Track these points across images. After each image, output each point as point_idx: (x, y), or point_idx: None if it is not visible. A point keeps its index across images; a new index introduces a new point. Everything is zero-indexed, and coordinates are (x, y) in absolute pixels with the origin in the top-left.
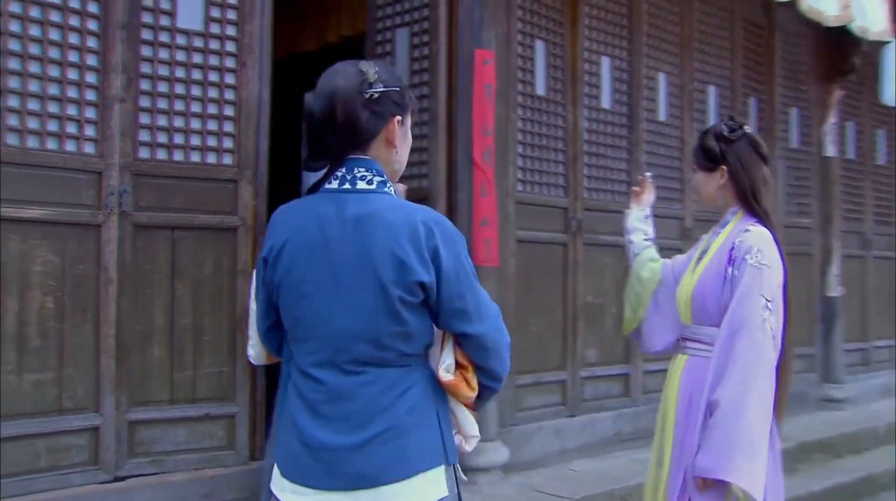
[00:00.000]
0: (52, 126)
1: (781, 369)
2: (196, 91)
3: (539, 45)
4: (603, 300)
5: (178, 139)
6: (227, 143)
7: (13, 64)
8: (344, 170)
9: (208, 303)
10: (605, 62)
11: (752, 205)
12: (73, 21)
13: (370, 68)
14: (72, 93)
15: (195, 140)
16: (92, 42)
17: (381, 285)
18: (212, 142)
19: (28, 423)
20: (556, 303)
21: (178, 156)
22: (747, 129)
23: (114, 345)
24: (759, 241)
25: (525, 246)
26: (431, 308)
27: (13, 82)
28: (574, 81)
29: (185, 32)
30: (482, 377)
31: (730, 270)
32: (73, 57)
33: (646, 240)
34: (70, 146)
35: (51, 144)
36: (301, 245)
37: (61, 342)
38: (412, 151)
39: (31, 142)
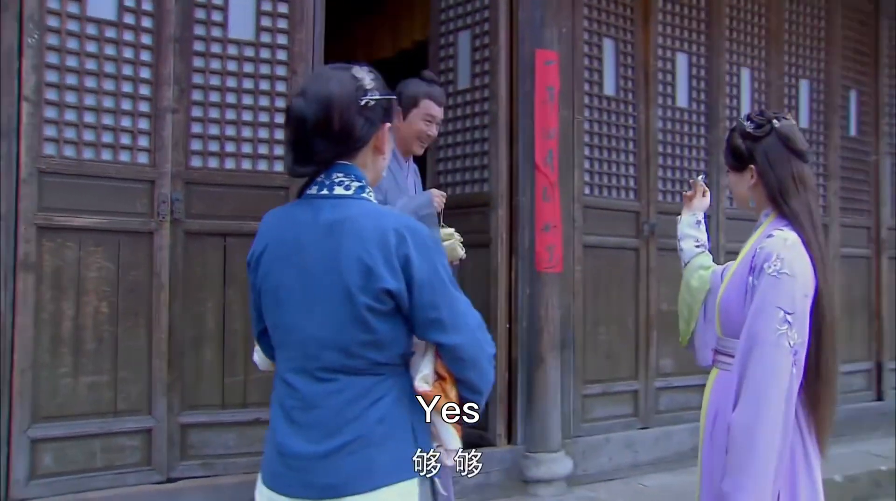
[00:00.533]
0: (107, 138)
1: (818, 386)
2: (247, 100)
3: (607, 44)
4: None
5: (230, 148)
6: (278, 150)
7: (70, 79)
8: (323, 175)
9: None
10: (682, 59)
11: (780, 206)
12: (128, 36)
13: (365, 75)
14: (126, 105)
15: (246, 148)
16: (145, 55)
17: (348, 292)
18: (263, 150)
19: (84, 423)
20: (627, 311)
21: (229, 164)
22: (777, 122)
23: (166, 349)
24: (780, 247)
25: (593, 252)
26: (407, 317)
27: (70, 97)
28: (647, 80)
29: (237, 42)
30: (462, 390)
31: (750, 279)
32: (127, 70)
33: (697, 246)
34: (124, 157)
35: (105, 155)
36: (278, 251)
37: (115, 345)
38: (474, 155)
39: (87, 153)
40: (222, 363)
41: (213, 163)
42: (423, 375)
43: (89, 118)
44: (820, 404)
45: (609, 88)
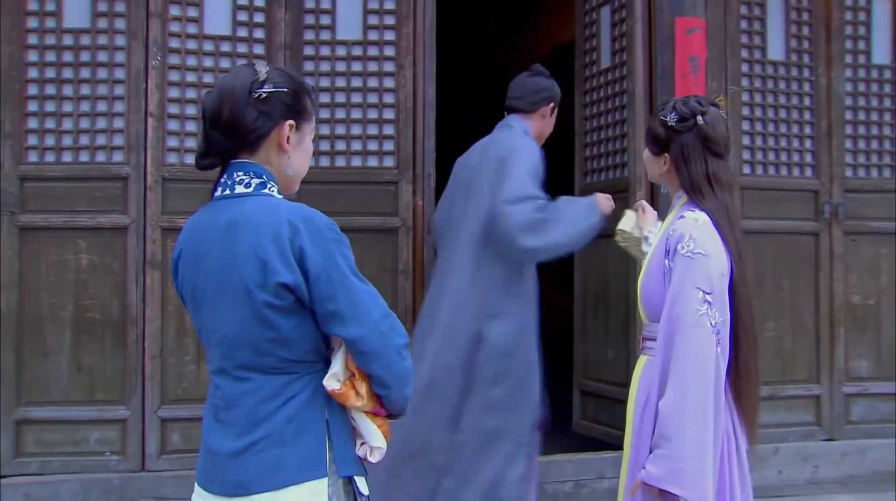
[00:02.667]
0: None
1: (742, 367)
2: (356, 98)
3: (772, 2)
4: (876, 300)
5: (340, 146)
6: (388, 145)
7: (189, 94)
8: (225, 176)
9: None
10: (880, 8)
11: (695, 199)
12: (241, 48)
13: (262, 68)
14: None
15: (356, 145)
16: None
17: (247, 290)
18: (372, 146)
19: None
20: (803, 304)
21: (340, 162)
22: (701, 118)
23: None
24: (692, 228)
25: (755, 238)
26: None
27: (190, 110)
28: (828, 37)
29: (345, 43)
30: (373, 385)
31: (666, 262)
32: None
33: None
34: None
35: None
36: (189, 256)
37: None
38: (615, 138)
39: (189, 160)
40: None
41: (324, 161)
42: (333, 372)
43: None
44: (744, 390)
45: (775, 52)
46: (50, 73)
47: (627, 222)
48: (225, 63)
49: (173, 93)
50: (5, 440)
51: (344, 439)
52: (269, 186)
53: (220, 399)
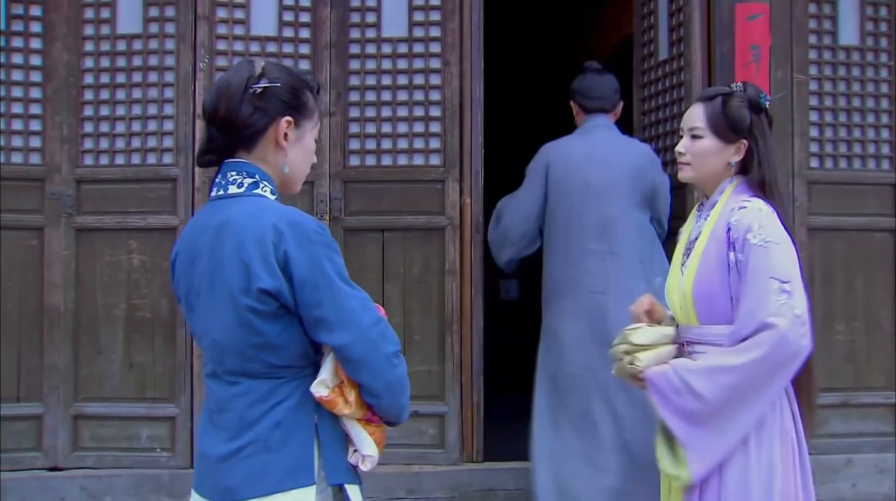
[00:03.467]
0: None
1: (804, 368)
2: (402, 95)
3: None
4: None
5: (386, 144)
6: (434, 143)
7: None
8: (220, 176)
9: (417, 303)
10: None
11: (767, 192)
12: (287, 48)
13: (259, 63)
14: None
15: (402, 143)
16: (304, 64)
17: (231, 294)
18: (419, 144)
19: None
20: (879, 305)
21: (386, 160)
22: (766, 101)
23: None
24: (758, 216)
25: (824, 235)
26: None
27: None
28: None
29: (390, 40)
30: (363, 394)
31: (731, 255)
32: None
33: None
34: None
35: None
36: (184, 258)
37: None
38: (670, 133)
39: None
40: None
41: (370, 160)
42: (322, 378)
43: None
44: (806, 384)
45: (848, 37)
46: (104, 78)
47: (643, 334)
48: None
49: None
50: (63, 433)
51: (334, 445)
52: (261, 186)
53: (213, 403)
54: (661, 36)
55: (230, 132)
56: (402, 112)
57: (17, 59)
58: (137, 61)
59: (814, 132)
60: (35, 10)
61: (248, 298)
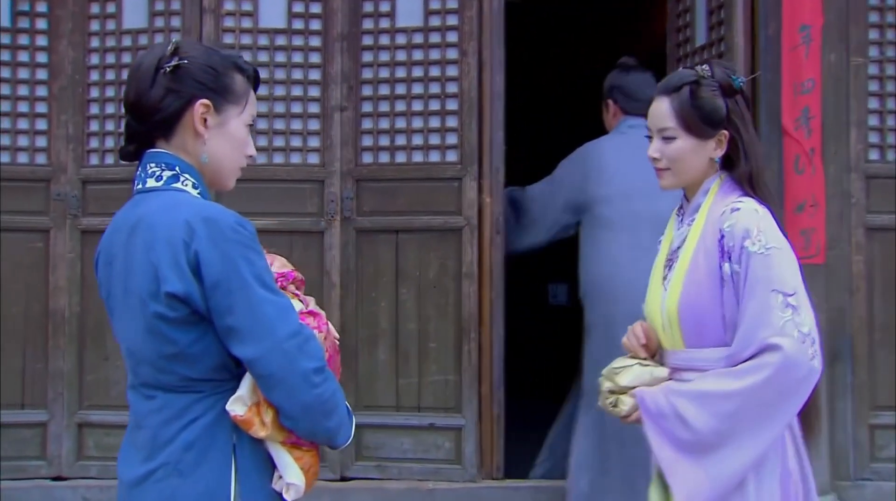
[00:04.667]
0: (279, 142)
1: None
2: (417, 89)
3: None
4: None
5: (400, 141)
6: (451, 139)
7: None
8: (140, 168)
9: (433, 308)
10: None
11: (753, 188)
12: (297, 41)
13: (175, 41)
14: (296, 108)
15: (417, 139)
16: (314, 57)
17: (141, 299)
18: (435, 139)
19: None
20: None
21: (400, 157)
22: (741, 82)
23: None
24: (755, 219)
25: (885, 236)
26: None
27: None
28: None
29: (405, 30)
30: (280, 416)
31: (726, 266)
32: (296, 74)
33: None
34: (295, 158)
35: (277, 159)
36: (104, 258)
37: None
38: None
39: (260, 158)
40: (396, 364)
41: (383, 158)
42: (239, 395)
43: (262, 125)
44: (808, 415)
45: None
46: (110, 75)
47: (632, 375)
48: (280, 57)
49: None
50: (67, 442)
51: (253, 470)
52: (181, 179)
53: (132, 418)
54: (698, 19)
55: (143, 118)
56: (418, 106)
57: (22, 56)
58: None
59: (873, 121)
60: (41, 6)
61: (156, 303)
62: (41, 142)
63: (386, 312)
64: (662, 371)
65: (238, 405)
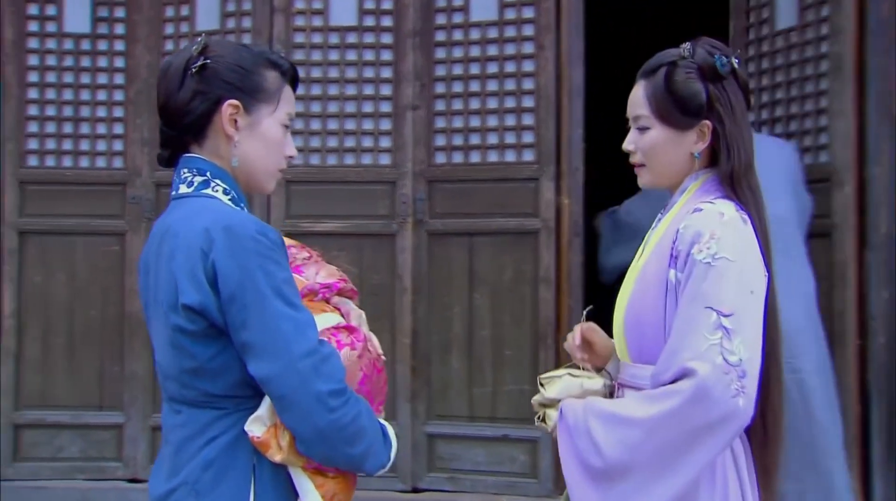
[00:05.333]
0: (349, 142)
1: (768, 433)
2: (492, 85)
3: None
4: None
5: (474, 140)
6: (527, 137)
7: (315, 90)
8: (175, 174)
9: (508, 314)
10: None
11: (727, 183)
12: (368, 38)
13: (203, 40)
14: (367, 107)
15: (492, 138)
16: (386, 54)
17: (164, 310)
18: (510, 138)
19: None
20: None
21: (474, 157)
22: (736, 61)
23: (409, 355)
24: (713, 223)
25: None
26: None
27: (314, 107)
28: None
29: (479, 25)
30: (295, 440)
31: (671, 273)
32: (367, 72)
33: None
34: (366, 159)
35: (348, 160)
36: (142, 266)
37: None
38: (804, 115)
39: (331, 159)
40: (469, 372)
41: (457, 158)
42: (257, 415)
43: (332, 125)
44: (765, 444)
45: None
46: None
47: (561, 387)
48: (351, 55)
49: (298, 90)
50: (142, 444)
51: (273, 493)
52: (212, 184)
53: (163, 432)
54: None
55: (173, 122)
56: (492, 104)
57: (101, 62)
58: None
59: None
60: (119, 12)
61: (176, 315)
62: (118, 146)
63: (459, 318)
64: (595, 383)
65: (256, 426)
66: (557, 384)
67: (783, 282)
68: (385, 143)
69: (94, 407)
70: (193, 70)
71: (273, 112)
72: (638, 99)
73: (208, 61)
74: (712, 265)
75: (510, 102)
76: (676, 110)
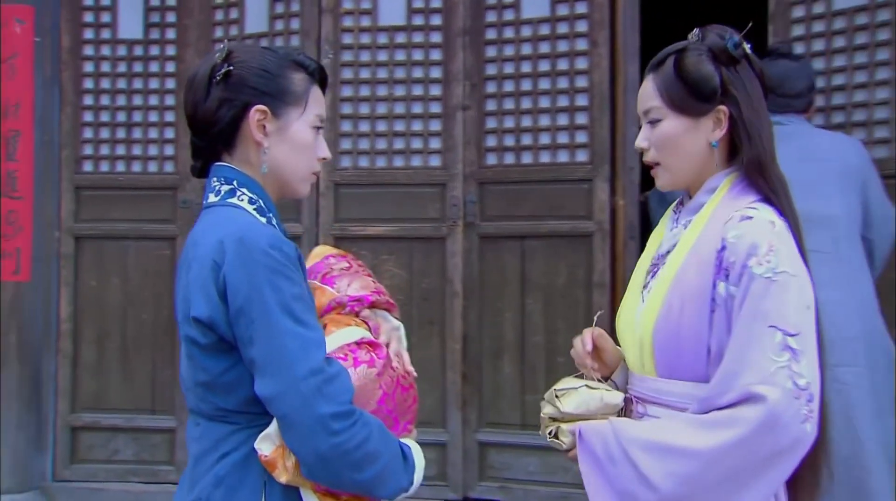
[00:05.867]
0: (399, 144)
1: (810, 465)
2: (544, 84)
3: None
4: None
5: (527, 140)
6: (581, 137)
7: (363, 91)
8: (206, 183)
9: (561, 319)
10: None
11: (755, 177)
12: (417, 37)
13: (227, 46)
14: (416, 108)
15: (544, 138)
16: (435, 54)
17: (180, 321)
18: (563, 138)
19: None
20: None
21: (526, 158)
22: (749, 47)
23: (460, 361)
24: (768, 233)
25: None
26: None
27: (363, 108)
28: None
29: (530, 22)
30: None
31: (721, 286)
32: (417, 72)
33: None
34: (415, 161)
35: (397, 162)
36: (177, 275)
37: (409, 354)
38: (850, 107)
39: (380, 161)
40: (522, 379)
41: (508, 159)
42: (267, 433)
43: (381, 127)
44: (806, 487)
45: None
46: None
47: (577, 399)
48: (400, 55)
49: (346, 92)
50: None
51: None
52: (238, 194)
53: (187, 442)
54: None
55: (201, 132)
56: (545, 103)
57: (153, 67)
58: None
59: None
60: (170, 17)
61: (188, 327)
62: (169, 150)
63: (511, 323)
64: (616, 397)
65: (266, 444)
66: (574, 396)
67: (835, 288)
68: (435, 144)
69: (147, 411)
70: (218, 78)
71: (302, 115)
72: (648, 92)
73: (232, 68)
74: (773, 280)
75: (563, 101)
76: (689, 96)
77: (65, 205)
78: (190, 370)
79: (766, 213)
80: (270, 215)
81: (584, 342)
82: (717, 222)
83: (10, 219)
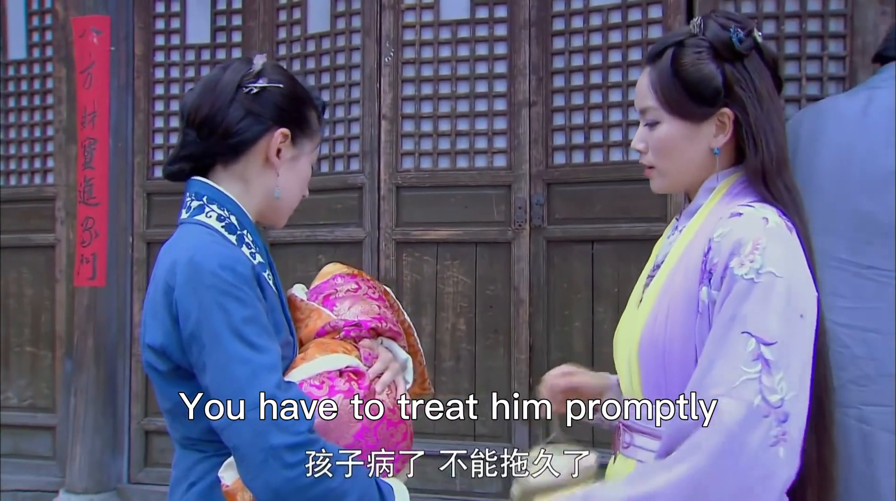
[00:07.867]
0: (462, 144)
1: (811, 473)
2: (615, 76)
3: None
4: None
5: (597, 138)
6: None
7: (425, 89)
8: (184, 194)
9: None
10: None
11: (757, 184)
12: (481, 31)
13: (261, 61)
14: (480, 105)
15: (616, 135)
16: (500, 48)
17: (142, 347)
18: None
19: (441, 444)
20: None
21: (596, 157)
22: (760, 36)
23: (526, 371)
24: (756, 230)
25: None
26: None
27: (426, 107)
28: None
29: (600, 10)
30: None
31: (703, 290)
32: (481, 68)
33: None
34: (480, 162)
35: (461, 163)
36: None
37: (473, 364)
38: None
39: (443, 163)
40: None
41: (577, 158)
42: (230, 461)
43: (444, 126)
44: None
45: None
46: None
47: (550, 466)
48: (463, 51)
49: (408, 90)
50: None
51: None
52: (206, 210)
53: None
54: None
55: (211, 137)
56: (616, 97)
57: None
58: (325, 61)
59: None
60: (236, 20)
61: (146, 352)
62: None
63: (580, 333)
64: (589, 459)
65: (229, 473)
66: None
67: (886, 318)
68: (500, 143)
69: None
70: (253, 90)
71: (312, 150)
72: (643, 89)
73: (268, 85)
74: (756, 282)
75: (634, 95)
76: (687, 99)
77: (137, 211)
78: (158, 397)
79: (762, 210)
80: (244, 231)
81: (553, 383)
82: (710, 223)
83: (87, 225)
